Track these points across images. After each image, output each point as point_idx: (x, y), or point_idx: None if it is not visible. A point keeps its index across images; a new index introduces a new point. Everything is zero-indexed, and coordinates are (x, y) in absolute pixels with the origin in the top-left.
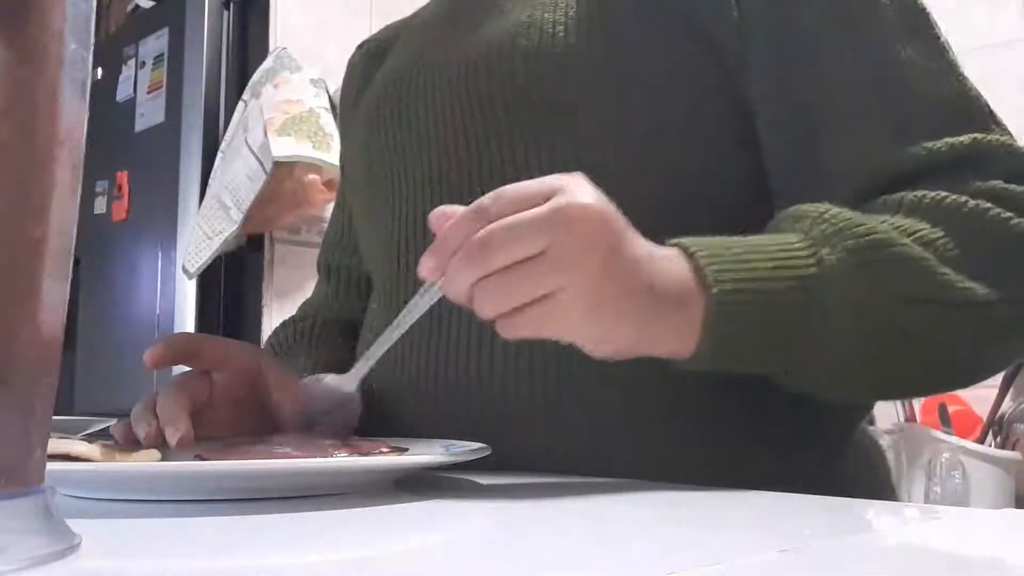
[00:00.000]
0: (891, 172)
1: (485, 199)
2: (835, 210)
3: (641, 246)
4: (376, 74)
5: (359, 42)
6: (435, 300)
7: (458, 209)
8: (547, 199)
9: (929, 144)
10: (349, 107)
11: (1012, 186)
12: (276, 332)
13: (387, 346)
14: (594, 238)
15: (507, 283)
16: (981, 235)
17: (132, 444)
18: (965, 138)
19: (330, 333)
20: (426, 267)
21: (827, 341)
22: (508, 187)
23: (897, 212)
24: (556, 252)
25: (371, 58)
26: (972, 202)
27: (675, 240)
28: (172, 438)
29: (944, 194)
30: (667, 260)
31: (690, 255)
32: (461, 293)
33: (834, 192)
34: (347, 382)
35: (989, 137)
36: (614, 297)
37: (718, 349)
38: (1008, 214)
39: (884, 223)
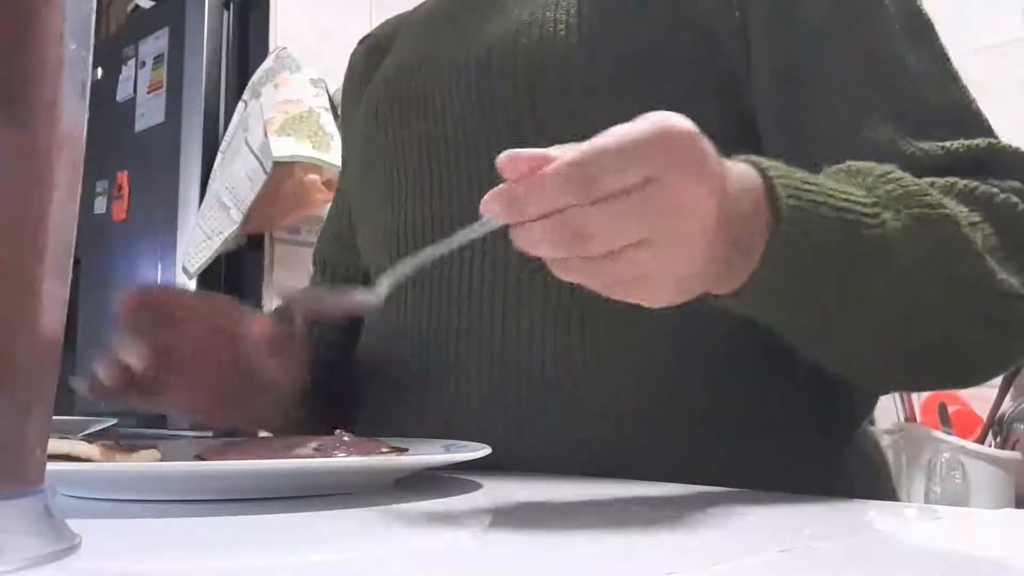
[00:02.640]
0: (903, 166)
1: (581, 161)
2: (899, 172)
3: (730, 185)
4: (377, 69)
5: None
6: (484, 233)
7: (533, 156)
8: (652, 167)
9: (947, 143)
10: (350, 102)
11: None
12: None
13: (418, 263)
14: (703, 222)
15: (600, 268)
16: (1014, 226)
17: (120, 387)
18: (980, 141)
19: (322, 326)
20: (490, 208)
21: (867, 301)
22: (606, 149)
23: None
24: (659, 240)
25: (373, 53)
26: (1003, 195)
27: (753, 159)
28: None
29: (975, 183)
30: (744, 187)
31: (768, 179)
32: (536, 254)
33: None
34: (374, 294)
35: (1003, 143)
36: (705, 266)
37: (771, 277)
38: None
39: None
